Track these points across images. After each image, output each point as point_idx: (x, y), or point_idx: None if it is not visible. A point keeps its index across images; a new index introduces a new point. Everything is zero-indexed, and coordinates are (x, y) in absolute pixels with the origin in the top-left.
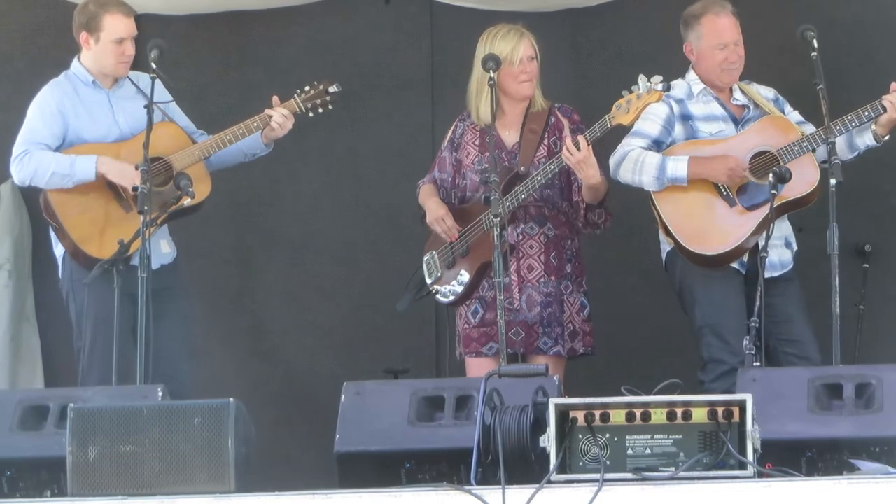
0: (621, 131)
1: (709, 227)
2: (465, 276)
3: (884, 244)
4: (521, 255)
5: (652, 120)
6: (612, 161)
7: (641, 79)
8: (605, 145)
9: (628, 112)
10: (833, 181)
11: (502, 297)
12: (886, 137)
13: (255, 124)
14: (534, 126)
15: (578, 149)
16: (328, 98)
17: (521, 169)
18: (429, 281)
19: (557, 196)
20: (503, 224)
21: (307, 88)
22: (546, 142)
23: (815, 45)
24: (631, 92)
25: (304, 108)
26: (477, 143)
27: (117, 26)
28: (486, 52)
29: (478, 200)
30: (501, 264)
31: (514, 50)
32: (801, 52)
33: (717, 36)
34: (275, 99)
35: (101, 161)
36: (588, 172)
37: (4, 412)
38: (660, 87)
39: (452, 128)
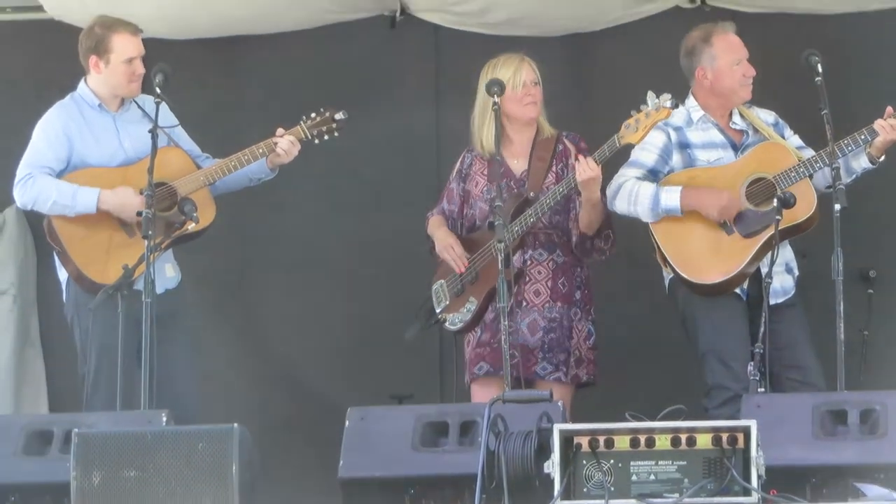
0: (629, 150)
1: (706, 256)
2: (473, 303)
3: (889, 270)
4: (528, 279)
5: (648, 150)
6: (609, 192)
7: (650, 96)
8: (613, 164)
9: (637, 131)
10: (837, 206)
11: (506, 323)
12: (882, 158)
13: (261, 151)
14: (542, 154)
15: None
16: (334, 125)
17: (531, 194)
18: (438, 310)
19: (566, 223)
20: (508, 250)
21: (313, 115)
22: (554, 168)
23: (820, 70)
24: (639, 111)
25: (310, 134)
26: (485, 172)
27: (126, 46)
28: (488, 80)
29: (485, 227)
30: (505, 290)
31: (516, 73)
32: (803, 76)
33: (732, 51)
34: (279, 130)
35: (103, 196)
36: (594, 190)
37: (9, 437)
38: (668, 104)
39: (460, 159)
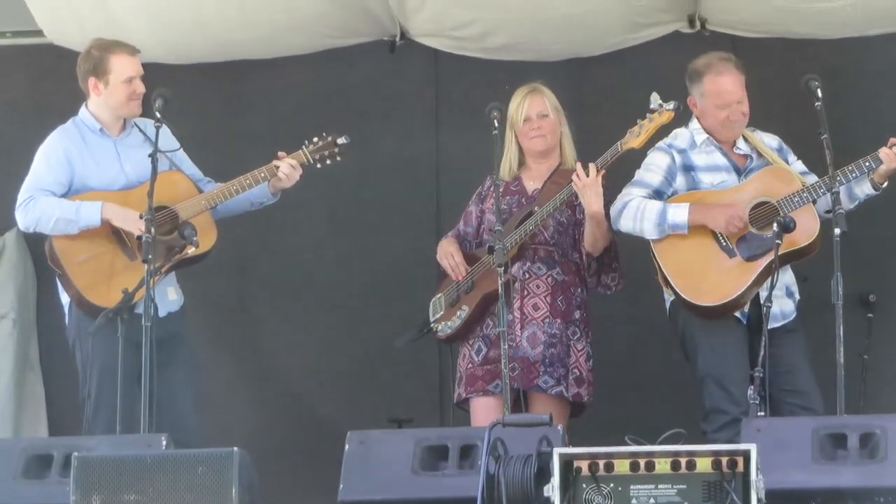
0: (633, 160)
1: (708, 278)
2: (464, 311)
3: (888, 294)
4: (526, 293)
5: (653, 171)
6: (613, 211)
7: (654, 96)
8: (616, 176)
9: (639, 135)
10: (837, 231)
11: (506, 347)
12: (885, 185)
13: (263, 175)
14: (559, 180)
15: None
16: (336, 150)
17: (536, 208)
18: (431, 320)
19: (569, 245)
20: (506, 261)
21: (315, 140)
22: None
23: (820, 94)
24: (644, 118)
25: (311, 159)
26: (500, 190)
27: (125, 66)
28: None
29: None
30: (504, 312)
31: (520, 106)
32: (804, 101)
33: (718, 96)
34: (280, 154)
35: (105, 207)
36: (592, 199)
37: (8, 461)
38: (671, 106)
39: (484, 181)
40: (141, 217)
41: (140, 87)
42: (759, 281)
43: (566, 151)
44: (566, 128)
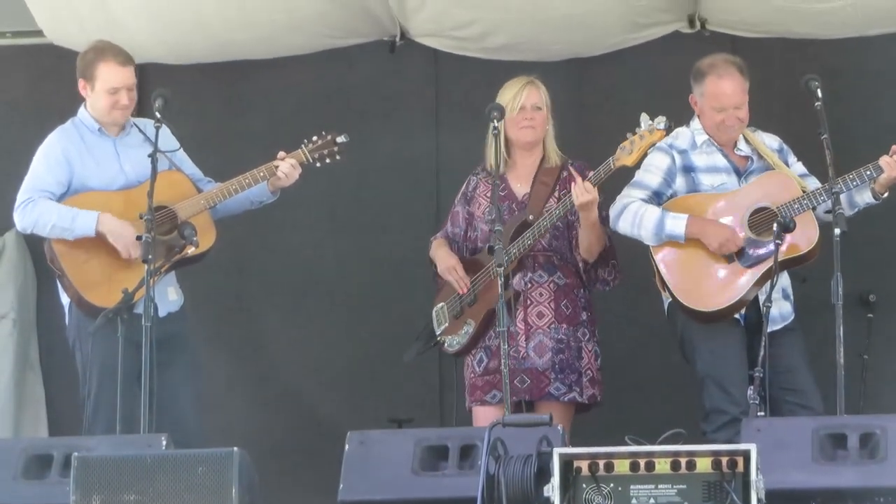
0: (626, 172)
1: (705, 283)
2: (470, 325)
3: (888, 294)
4: (529, 302)
5: (653, 172)
6: (612, 212)
7: (644, 118)
8: (609, 187)
9: (631, 153)
10: (837, 231)
11: (506, 347)
12: (885, 195)
13: (262, 174)
14: (545, 179)
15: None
16: (336, 149)
17: (530, 217)
18: (437, 331)
19: (566, 248)
20: (507, 274)
21: (315, 139)
22: (556, 194)
23: (820, 94)
24: (634, 133)
25: (311, 158)
26: (488, 194)
27: (111, 76)
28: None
29: (485, 251)
30: (505, 313)
31: (516, 97)
32: (804, 101)
33: (715, 99)
34: (281, 154)
35: (101, 220)
36: (593, 214)
37: (8, 461)
38: (661, 125)
39: (466, 182)
40: (141, 217)
41: (124, 100)
42: (757, 285)
43: (549, 148)
44: (552, 126)
